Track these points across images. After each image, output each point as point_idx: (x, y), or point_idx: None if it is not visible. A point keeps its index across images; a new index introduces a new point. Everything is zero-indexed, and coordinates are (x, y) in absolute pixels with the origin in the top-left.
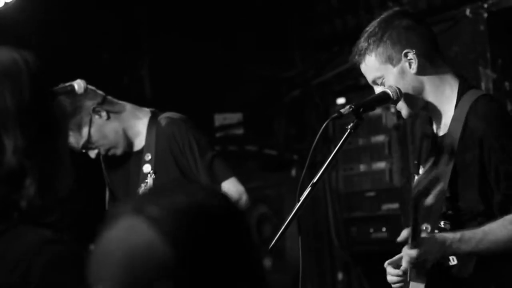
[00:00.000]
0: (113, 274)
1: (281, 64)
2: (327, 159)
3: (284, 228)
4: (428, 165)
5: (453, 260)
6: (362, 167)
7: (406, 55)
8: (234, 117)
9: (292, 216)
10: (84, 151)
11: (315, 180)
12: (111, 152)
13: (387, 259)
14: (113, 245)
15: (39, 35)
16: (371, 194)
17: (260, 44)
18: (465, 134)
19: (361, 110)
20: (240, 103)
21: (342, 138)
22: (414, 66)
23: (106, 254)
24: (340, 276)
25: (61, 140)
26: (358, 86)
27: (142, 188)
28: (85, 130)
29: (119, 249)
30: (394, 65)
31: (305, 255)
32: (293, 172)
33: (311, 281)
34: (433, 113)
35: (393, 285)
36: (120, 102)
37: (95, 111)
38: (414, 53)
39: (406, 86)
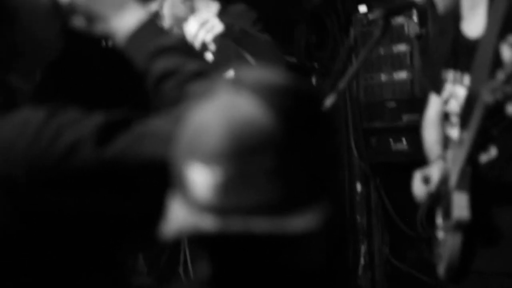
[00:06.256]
0: (213, 145)
1: None
2: (351, 67)
3: None
4: None
5: (492, 151)
6: (383, 77)
7: None
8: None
9: None
10: None
11: (341, 87)
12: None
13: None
14: (213, 116)
15: None
16: (392, 104)
17: None
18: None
19: (389, 15)
20: (259, 8)
21: (366, 44)
22: None
23: (202, 129)
24: (358, 187)
25: (17, 29)
26: None
27: None
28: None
29: (221, 119)
30: None
31: None
32: (313, 80)
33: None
34: (464, 12)
35: (418, 200)
36: None
37: None
38: None
39: None
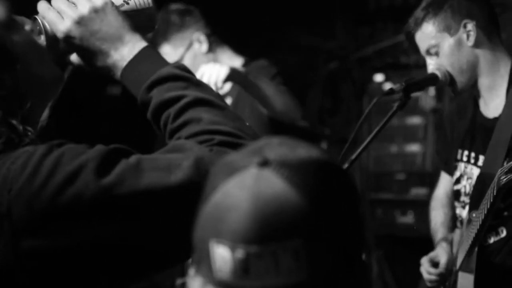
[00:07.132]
0: (237, 229)
1: (322, 34)
2: (365, 136)
3: None
4: None
5: (501, 232)
6: (394, 148)
7: (465, 26)
8: None
9: None
10: None
11: (353, 157)
12: None
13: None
14: (238, 197)
15: None
16: (401, 176)
17: (302, 12)
18: None
19: (411, 89)
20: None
21: (384, 116)
22: (472, 38)
23: (228, 207)
24: None
25: (20, 70)
26: (398, 65)
27: None
28: (180, 50)
29: (246, 201)
30: (451, 35)
31: None
32: (323, 146)
33: None
34: (483, 92)
35: (428, 283)
36: (222, 44)
37: (199, 40)
38: (473, 25)
39: (461, 58)
